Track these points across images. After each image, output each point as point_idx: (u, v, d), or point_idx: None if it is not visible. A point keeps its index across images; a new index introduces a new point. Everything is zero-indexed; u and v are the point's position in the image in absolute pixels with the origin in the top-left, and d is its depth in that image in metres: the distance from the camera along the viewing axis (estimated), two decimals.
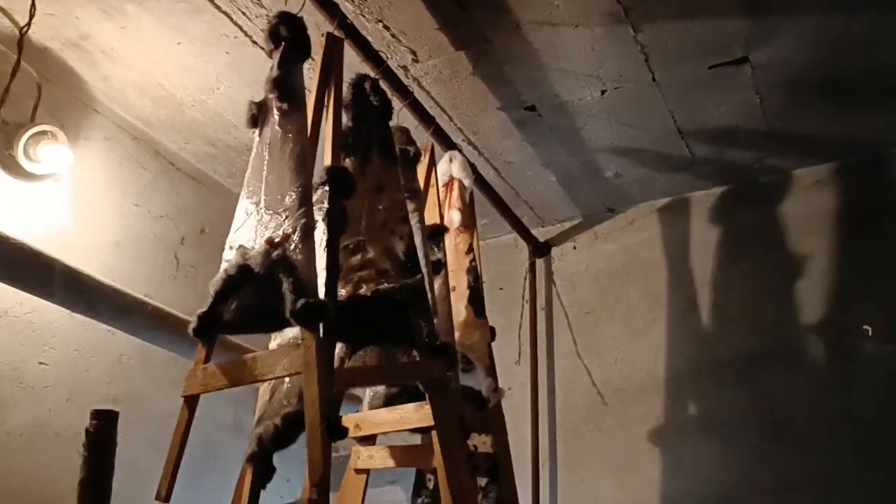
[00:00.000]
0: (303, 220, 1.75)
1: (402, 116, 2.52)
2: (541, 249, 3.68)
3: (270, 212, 1.83)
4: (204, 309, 1.85)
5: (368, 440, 2.38)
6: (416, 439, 2.36)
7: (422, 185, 2.50)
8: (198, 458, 2.94)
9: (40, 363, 2.48)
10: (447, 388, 2.01)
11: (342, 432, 1.60)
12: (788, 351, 3.04)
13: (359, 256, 2.06)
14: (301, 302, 1.62)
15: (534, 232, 3.69)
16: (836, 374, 2.94)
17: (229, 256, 1.86)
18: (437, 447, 1.97)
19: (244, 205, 1.93)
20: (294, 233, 1.75)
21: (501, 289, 3.72)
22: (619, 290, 3.46)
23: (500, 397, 2.54)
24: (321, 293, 1.73)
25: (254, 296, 1.79)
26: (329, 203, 1.87)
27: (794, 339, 3.05)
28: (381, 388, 2.40)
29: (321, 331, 1.65)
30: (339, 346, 2.34)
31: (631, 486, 3.15)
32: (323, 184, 1.89)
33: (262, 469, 1.85)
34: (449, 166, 2.77)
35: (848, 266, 3.04)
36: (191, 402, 1.85)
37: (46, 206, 2.58)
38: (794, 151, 3.14)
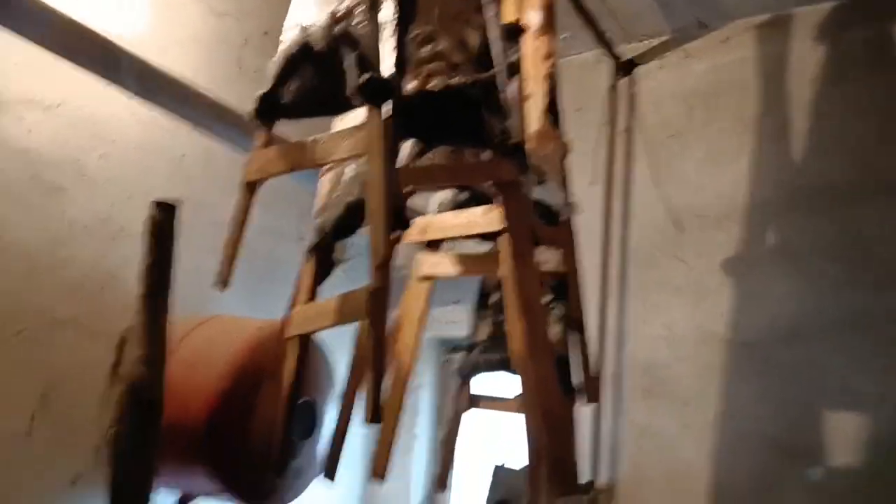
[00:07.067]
0: None
1: None
2: (624, 68, 3.42)
3: None
4: (265, 89, 1.74)
5: (433, 247, 2.30)
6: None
7: None
8: (259, 269, 2.92)
9: (101, 156, 2.41)
10: (520, 190, 1.87)
11: (404, 221, 1.49)
12: (888, 182, 2.79)
13: (429, 47, 1.88)
14: (366, 77, 1.48)
15: (618, 49, 3.43)
16: None
17: (289, 36, 1.72)
18: (505, 252, 1.87)
19: None
20: (358, 5, 1.58)
21: (579, 110, 3.50)
22: (708, 113, 3.21)
23: (573, 212, 2.40)
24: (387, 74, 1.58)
25: (314, 76, 1.66)
26: None
27: None
28: (447, 196, 2.29)
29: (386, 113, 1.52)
30: (405, 147, 2.24)
31: (702, 316, 3.02)
32: None
33: (321, 261, 1.78)
34: None
35: None
36: (250, 188, 1.76)
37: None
38: None
